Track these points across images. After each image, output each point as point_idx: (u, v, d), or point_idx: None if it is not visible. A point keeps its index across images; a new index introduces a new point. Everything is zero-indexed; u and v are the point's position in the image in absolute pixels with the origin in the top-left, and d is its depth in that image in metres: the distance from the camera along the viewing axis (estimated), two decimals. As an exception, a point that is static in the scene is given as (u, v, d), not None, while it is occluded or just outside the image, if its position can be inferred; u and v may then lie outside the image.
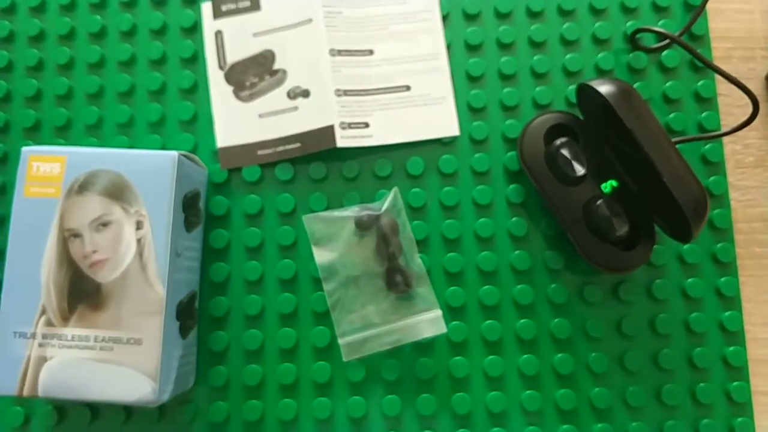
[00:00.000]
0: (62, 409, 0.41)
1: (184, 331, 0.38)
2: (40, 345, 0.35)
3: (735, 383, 0.42)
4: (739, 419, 0.42)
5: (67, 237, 0.36)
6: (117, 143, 0.45)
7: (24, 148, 0.37)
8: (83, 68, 0.46)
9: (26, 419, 0.41)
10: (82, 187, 0.36)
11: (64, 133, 0.45)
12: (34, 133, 0.45)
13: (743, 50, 0.48)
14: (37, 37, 0.47)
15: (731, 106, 0.47)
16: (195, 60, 0.46)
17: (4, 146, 0.45)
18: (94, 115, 0.45)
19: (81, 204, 0.36)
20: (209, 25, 0.47)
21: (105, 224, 0.36)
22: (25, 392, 0.34)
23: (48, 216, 0.36)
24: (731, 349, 0.42)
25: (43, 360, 0.35)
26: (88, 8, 0.47)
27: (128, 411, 0.42)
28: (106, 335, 0.35)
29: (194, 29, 0.47)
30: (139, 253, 0.36)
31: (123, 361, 0.35)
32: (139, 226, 0.36)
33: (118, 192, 0.36)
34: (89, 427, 0.41)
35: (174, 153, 0.37)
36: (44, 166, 0.37)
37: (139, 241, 0.36)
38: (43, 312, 0.35)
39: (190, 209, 0.39)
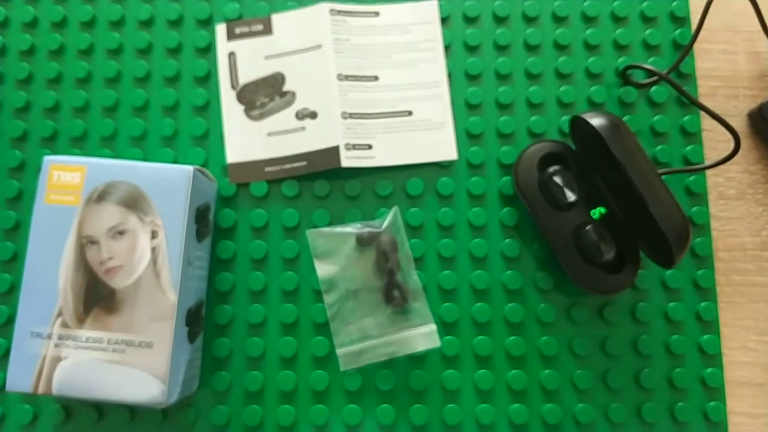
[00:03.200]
0: (69, 408, 0.43)
1: (191, 337, 0.40)
2: (56, 345, 0.36)
3: (712, 403, 0.44)
4: (715, 438, 0.43)
5: (85, 243, 0.38)
6: (131, 155, 0.47)
7: (46, 157, 0.39)
8: (100, 82, 0.48)
9: (34, 417, 0.43)
10: (100, 196, 0.38)
11: (80, 144, 0.47)
12: (51, 143, 0.47)
13: (727, 88, 0.50)
14: (57, 52, 0.49)
15: (715, 141, 0.49)
16: (208, 79, 0.49)
17: (21, 154, 0.47)
18: (110, 127, 0.47)
19: (99, 212, 0.38)
20: (223, 46, 0.49)
21: (121, 232, 0.38)
22: (40, 390, 0.36)
23: (67, 223, 0.38)
24: (709, 370, 0.44)
25: (58, 359, 0.36)
26: (107, 25, 0.49)
27: (133, 412, 0.43)
28: (119, 338, 0.37)
29: (208, 50, 0.49)
30: (153, 260, 0.37)
31: (134, 362, 0.36)
32: (153, 235, 0.38)
33: (134, 202, 0.38)
34: (95, 426, 0.43)
35: (190, 168, 0.39)
36: (65, 175, 0.38)
37: (153, 249, 0.38)
38: (60, 314, 0.37)
39: (201, 221, 0.41)
